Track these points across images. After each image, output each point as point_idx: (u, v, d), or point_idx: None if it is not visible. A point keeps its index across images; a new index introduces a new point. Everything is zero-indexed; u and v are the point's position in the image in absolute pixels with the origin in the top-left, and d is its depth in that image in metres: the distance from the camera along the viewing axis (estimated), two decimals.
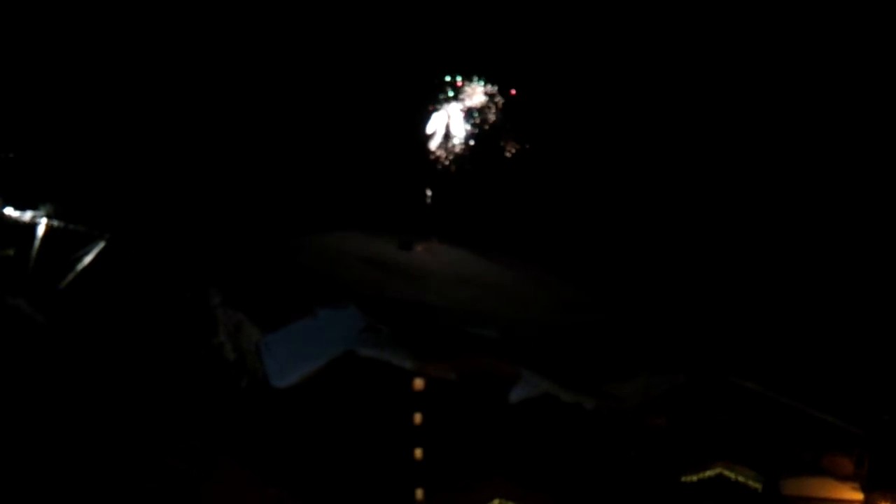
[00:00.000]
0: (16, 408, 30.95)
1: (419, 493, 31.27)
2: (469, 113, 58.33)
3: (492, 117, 58.70)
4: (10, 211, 45.02)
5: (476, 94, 58.36)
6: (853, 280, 49.36)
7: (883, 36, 54.72)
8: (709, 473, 33.31)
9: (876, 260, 50.61)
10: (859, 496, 34.25)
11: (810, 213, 54.27)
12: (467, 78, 58.43)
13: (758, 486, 33.19)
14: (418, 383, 32.27)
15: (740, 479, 33.21)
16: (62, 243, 42.58)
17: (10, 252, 43.15)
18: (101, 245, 41.90)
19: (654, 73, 59.50)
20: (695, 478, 33.35)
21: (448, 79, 57.90)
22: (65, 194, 46.87)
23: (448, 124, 58.25)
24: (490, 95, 58.37)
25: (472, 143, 59.08)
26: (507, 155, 59.26)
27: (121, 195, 50.24)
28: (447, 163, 58.86)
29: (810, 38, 56.86)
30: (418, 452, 31.66)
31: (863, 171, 54.30)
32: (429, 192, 58.05)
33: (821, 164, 55.22)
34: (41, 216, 44.18)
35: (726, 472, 33.21)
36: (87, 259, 41.61)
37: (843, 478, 34.87)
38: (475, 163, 59.62)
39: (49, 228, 43.67)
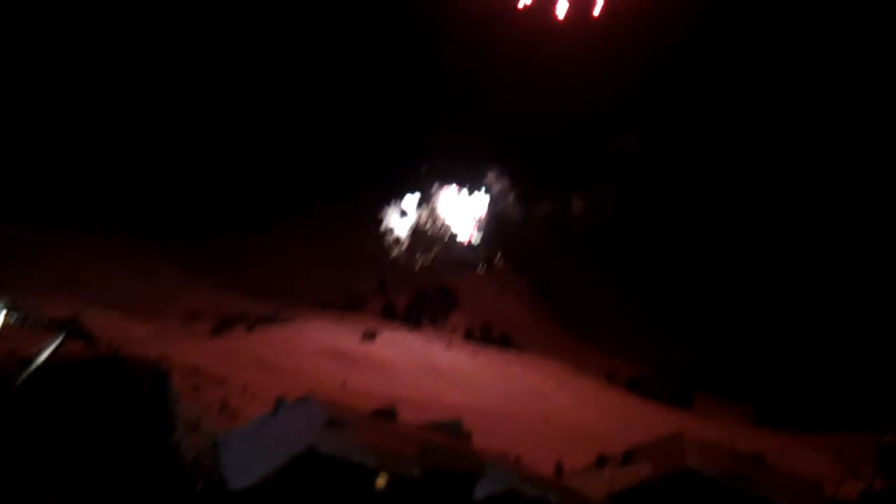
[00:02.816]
0: None
1: None
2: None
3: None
4: None
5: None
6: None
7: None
8: None
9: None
10: None
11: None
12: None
13: None
14: (381, 480, 31.70)
15: None
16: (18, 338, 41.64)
17: None
18: (59, 340, 41.00)
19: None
20: None
21: None
22: (22, 287, 46.26)
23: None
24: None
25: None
26: None
27: (76, 288, 49.83)
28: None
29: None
30: None
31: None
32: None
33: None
34: None
35: None
36: (44, 355, 40.65)
37: None
38: None
39: (6, 323, 42.81)
